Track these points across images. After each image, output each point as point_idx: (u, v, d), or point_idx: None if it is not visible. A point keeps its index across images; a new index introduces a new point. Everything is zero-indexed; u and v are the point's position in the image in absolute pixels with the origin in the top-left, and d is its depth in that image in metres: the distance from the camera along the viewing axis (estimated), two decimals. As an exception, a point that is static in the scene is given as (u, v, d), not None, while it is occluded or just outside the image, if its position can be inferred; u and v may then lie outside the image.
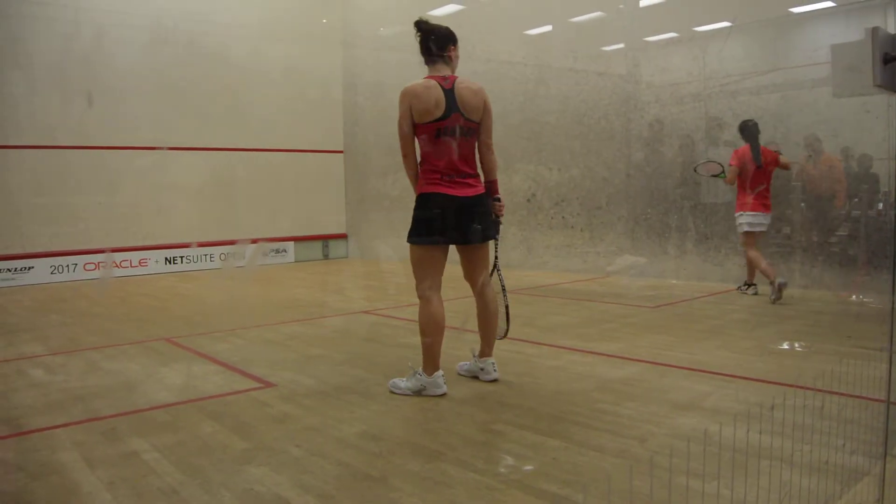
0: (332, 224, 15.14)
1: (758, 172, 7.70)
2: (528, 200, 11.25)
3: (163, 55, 12.64)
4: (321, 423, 3.82)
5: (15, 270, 11.27)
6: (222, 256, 13.30)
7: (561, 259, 10.87)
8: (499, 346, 4.71)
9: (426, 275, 4.31)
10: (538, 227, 11.16)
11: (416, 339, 5.97)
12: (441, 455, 3.30)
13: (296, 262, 14.38)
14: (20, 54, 11.36)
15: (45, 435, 3.81)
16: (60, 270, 11.63)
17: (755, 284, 8.06)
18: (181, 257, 12.88)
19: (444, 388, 4.30)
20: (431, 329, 4.26)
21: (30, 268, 11.39)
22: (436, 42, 4.28)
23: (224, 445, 3.53)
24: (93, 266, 11.89)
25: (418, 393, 4.29)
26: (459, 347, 5.17)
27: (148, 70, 12.46)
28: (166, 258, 12.72)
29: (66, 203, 11.77)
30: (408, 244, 4.36)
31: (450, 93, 4.19)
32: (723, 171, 7.91)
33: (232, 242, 13.35)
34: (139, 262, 12.37)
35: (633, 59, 9.98)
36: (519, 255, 11.15)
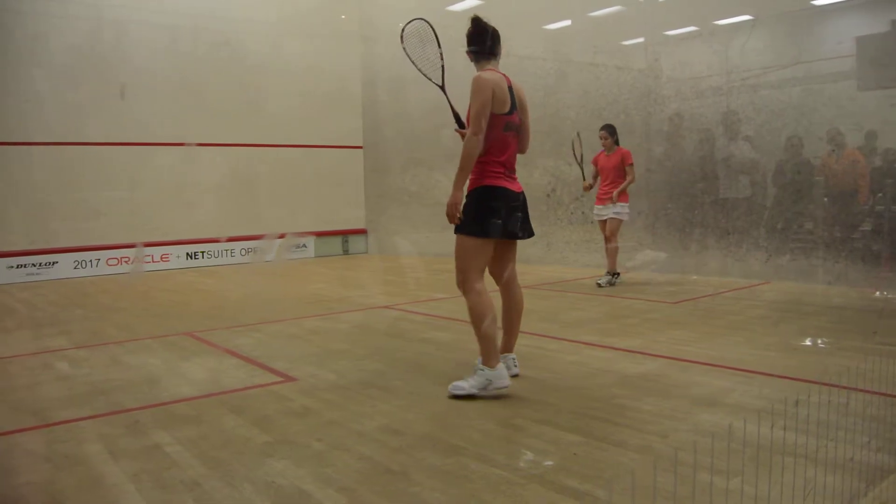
0: (352, 219, 15.18)
1: None
2: (548, 196, 11.22)
3: (182, 52, 12.71)
4: (342, 418, 3.84)
5: (40, 265, 11.42)
6: (245, 252, 13.40)
7: (581, 254, 10.83)
8: (519, 342, 4.70)
9: (477, 266, 4.23)
10: (558, 222, 11.12)
11: (437, 335, 6.01)
12: (462, 449, 3.30)
13: (316, 257, 14.45)
14: (42, 52, 11.50)
15: (71, 427, 3.86)
16: (84, 265, 11.77)
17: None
18: (202, 252, 12.99)
19: (508, 379, 4.20)
20: (489, 319, 4.15)
21: (54, 263, 11.53)
22: (494, 39, 4.33)
23: (246, 439, 3.55)
24: (115, 261, 12.01)
25: (484, 389, 4.13)
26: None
27: (168, 67, 12.54)
28: (187, 253, 12.82)
29: (88, 199, 11.90)
30: (458, 235, 4.26)
31: (510, 90, 4.26)
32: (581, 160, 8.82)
33: (253, 238, 13.45)
34: (161, 258, 12.49)
35: (654, 52, 9.91)
36: (538, 250, 11.12)
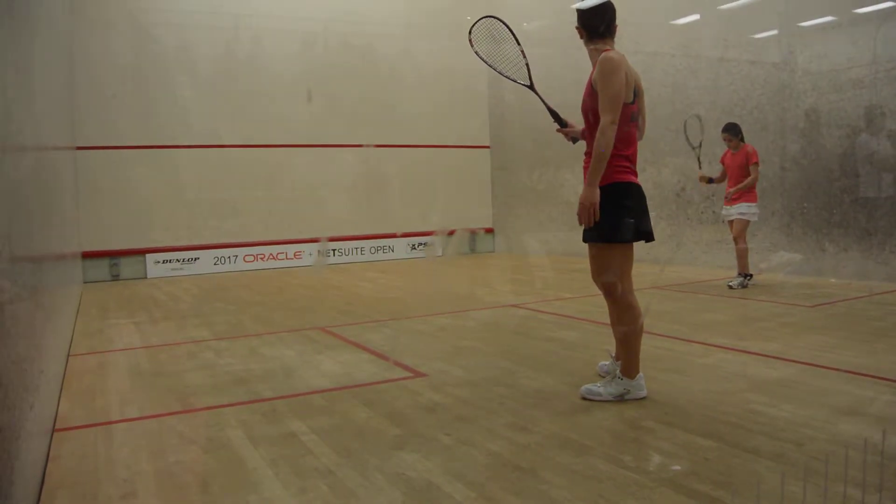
0: (479, 218, 15.32)
1: None
2: (678, 195, 10.97)
3: (314, 57, 13.22)
4: (470, 414, 3.91)
5: (183, 261, 12.16)
6: (374, 250, 13.79)
7: (711, 255, 10.53)
8: (648, 343, 4.63)
9: (625, 274, 3.97)
10: (688, 221, 10.86)
11: (565, 334, 6.01)
12: (590, 449, 3.30)
13: (443, 255, 14.68)
14: (187, 61, 12.27)
15: (214, 413, 4.11)
16: (223, 262, 12.44)
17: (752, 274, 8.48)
18: (334, 250, 13.47)
19: (646, 390, 4.06)
20: (638, 329, 3.99)
21: (196, 259, 12.25)
22: (612, 14, 3.93)
23: (377, 431, 3.67)
24: (251, 258, 12.64)
25: (621, 398, 4.00)
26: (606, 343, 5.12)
27: (300, 72, 13.08)
28: (320, 251, 13.32)
29: (228, 199, 12.58)
30: (593, 244, 3.98)
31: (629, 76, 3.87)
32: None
33: (384, 237, 13.83)
34: (294, 255, 13.01)
35: (788, 45, 9.51)
36: (668, 250, 10.89)
